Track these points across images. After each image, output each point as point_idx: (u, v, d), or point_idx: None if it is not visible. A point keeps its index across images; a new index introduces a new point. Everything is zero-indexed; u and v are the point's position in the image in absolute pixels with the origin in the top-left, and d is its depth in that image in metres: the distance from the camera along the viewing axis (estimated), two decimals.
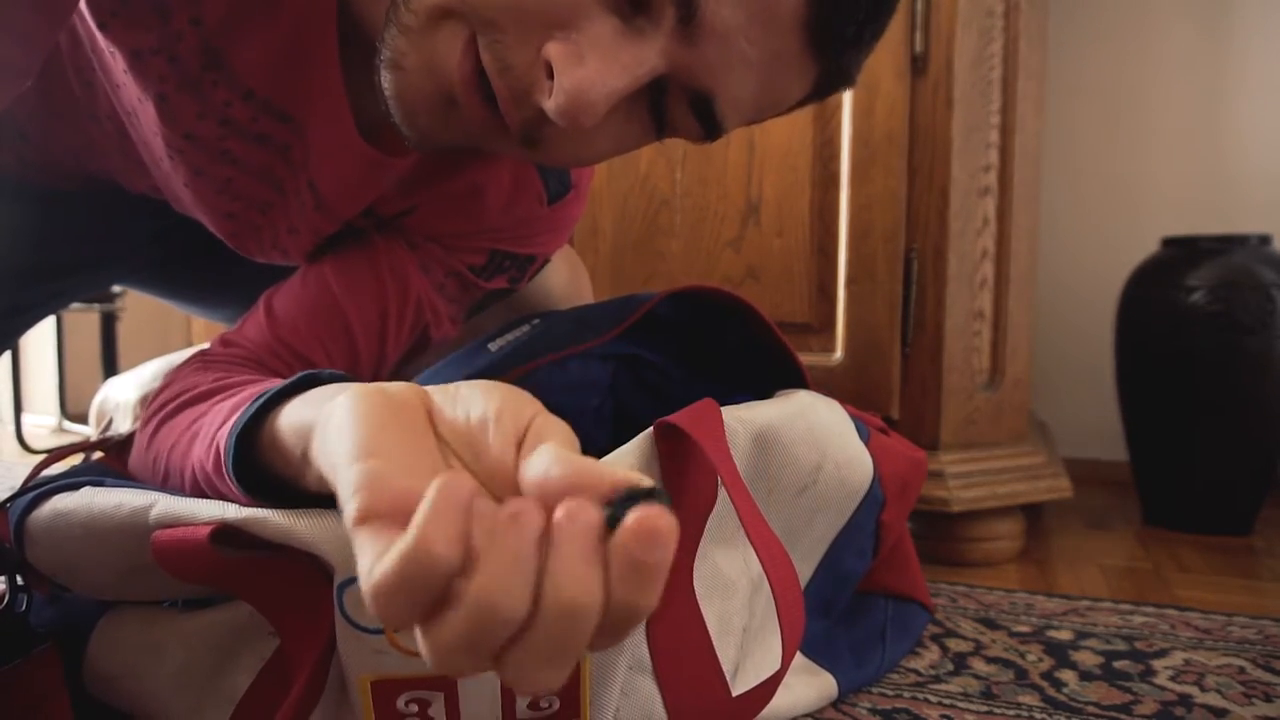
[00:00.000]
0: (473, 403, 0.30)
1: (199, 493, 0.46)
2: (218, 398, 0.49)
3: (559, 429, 0.30)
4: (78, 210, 0.71)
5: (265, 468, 0.41)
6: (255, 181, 0.58)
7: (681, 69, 0.43)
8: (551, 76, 0.42)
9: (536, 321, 0.67)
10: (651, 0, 0.41)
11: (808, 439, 0.52)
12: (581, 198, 0.69)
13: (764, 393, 0.60)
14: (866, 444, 0.59)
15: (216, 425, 0.44)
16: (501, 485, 0.28)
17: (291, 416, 0.38)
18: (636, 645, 0.46)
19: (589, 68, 0.41)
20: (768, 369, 0.64)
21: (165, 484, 0.50)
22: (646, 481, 0.25)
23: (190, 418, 0.49)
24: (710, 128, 0.46)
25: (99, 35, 0.51)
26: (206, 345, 0.60)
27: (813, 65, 0.45)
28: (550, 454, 0.26)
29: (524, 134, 0.45)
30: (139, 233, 0.76)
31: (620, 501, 0.24)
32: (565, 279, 0.80)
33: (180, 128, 0.54)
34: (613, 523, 0.23)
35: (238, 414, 0.42)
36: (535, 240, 0.67)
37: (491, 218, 0.63)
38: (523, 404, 0.30)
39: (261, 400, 0.41)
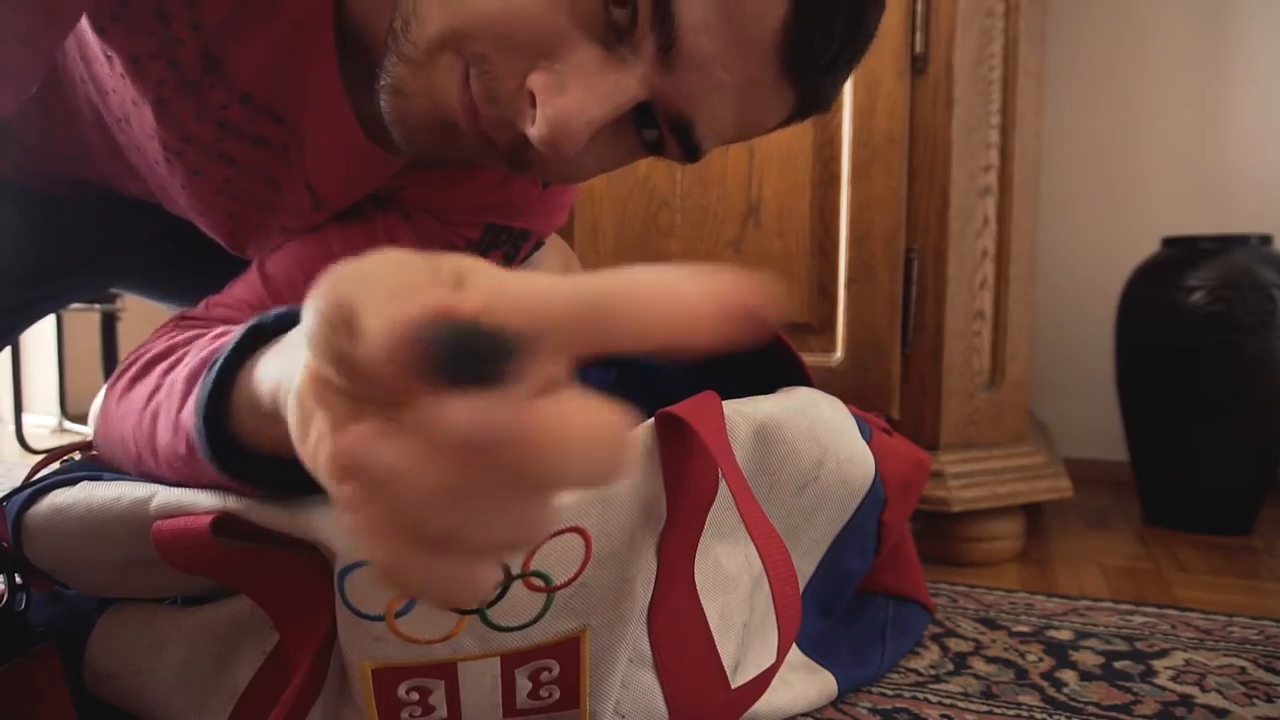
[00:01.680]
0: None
1: (185, 484, 0.43)
2: (164, 364, 0.46)
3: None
4: (73, 214, 0.71)
5: (245, 437, 0.38)
6: (254, 181, 0.58)
7: (662, 95, 0.44)
8: (535, 105, 0.42)
9: None
10: (634, 30, 0.42)
11: (809, 435, 0.52)
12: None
13: (764, 386, 0.60)
14: (868, 443, 0.59)
15: (176, 406, 0.41)
16: None
17: (267, 373, 0.34)
18: (638, 638, 0.46)
19: (570, 97, 0.42)
20: (772, 374, 0.64)
21: (140, 468, 0.46)
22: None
23: (145, 392, 0.46)
24: (689, 150, 0.47)
25: (94, 40, 0.51)
26: None
27: (789, 91, 0.46)
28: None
29: (511, 157, 0.47)
30: (134, 236, 0.77)
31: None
32: (558, 273, 0.80)
33: (178, 130, 0.54)
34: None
35: (197, 388, 0.39)
36: (530, 218, 0.68)
37: (485, 194, 0.64)
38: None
39: (217, 367, 0.38)
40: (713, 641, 0.48)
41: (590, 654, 0.43)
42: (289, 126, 0.55)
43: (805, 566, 0.58)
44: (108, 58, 0.52)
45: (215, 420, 0.38)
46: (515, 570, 0.40)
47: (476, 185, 0.64)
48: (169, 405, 0.42)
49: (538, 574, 0.40)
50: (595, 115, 0.42)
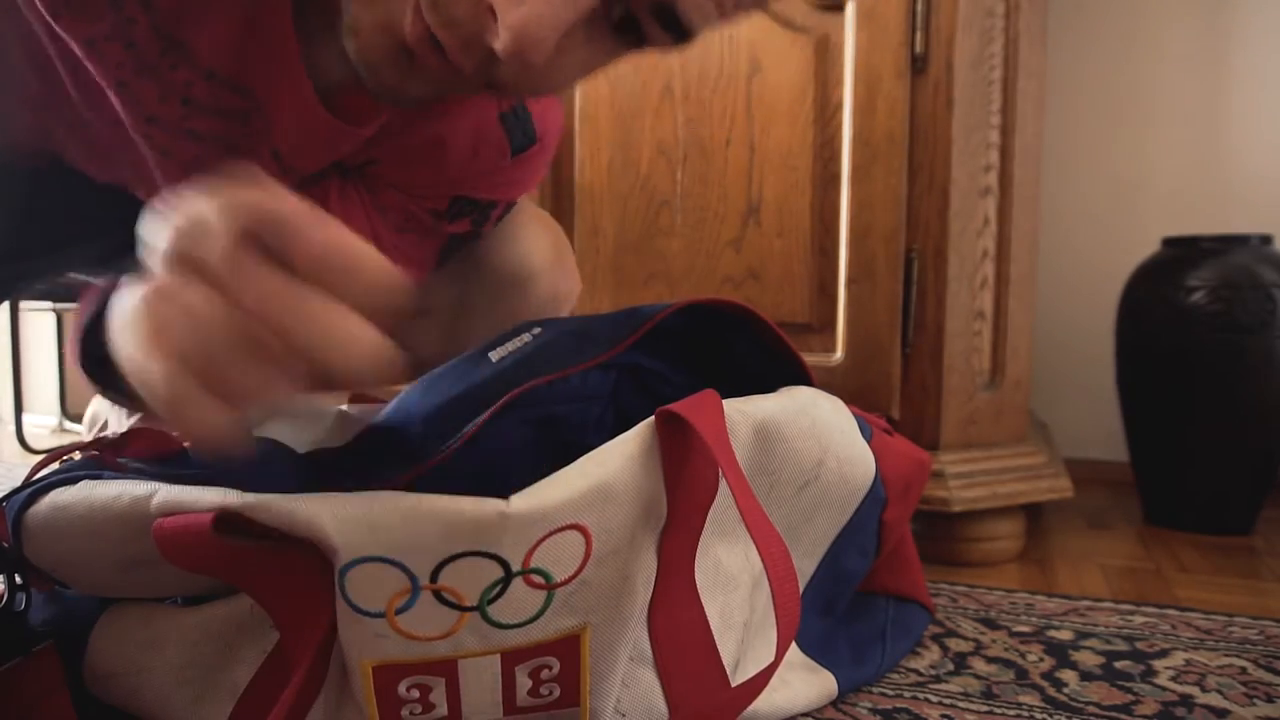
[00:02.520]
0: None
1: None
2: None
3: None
4: (43, 190, 0.71)
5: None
6: (220, 153, 0.58)
7: None
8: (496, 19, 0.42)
9: (538, 330, 0.68)
10: None
11: (810, 434, 0.52)
12: (547, 150, 0.70)
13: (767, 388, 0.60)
14: (869, 443, 0.59)
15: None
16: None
17: None
18: (638, 636, 0.46)
19: (531, 3, 0.41)
20: (773, 376, 0.64)
21: None
22: None
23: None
24: (678, 34, 0.46)
25: (54, 24, 0.50)
26: None
27: None
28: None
29: (483, 79, 0.46)
30: (107, 215, 0.76)
31: None
32: (548, 253, 0.80)
33: (141, 112, 0.54)
34: None
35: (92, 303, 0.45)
36: (497, 189, 0.68)
37: (452, 170, 0.65)
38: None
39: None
40: (713, 640, 0.48)
41: (591, 652, 0.43)
42: (253, 98, 0.55)
43: (806, 566, 0.58)
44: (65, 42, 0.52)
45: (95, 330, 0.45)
46: (515, 567, 0.40)
47: (446, 161, 0.64)
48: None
49: (538, 571, 0.40)
50: (561, 18, 0.41)
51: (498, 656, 0.42)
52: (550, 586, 0.41)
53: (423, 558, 0.39)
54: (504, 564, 0.39)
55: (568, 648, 0.42)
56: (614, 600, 0.43)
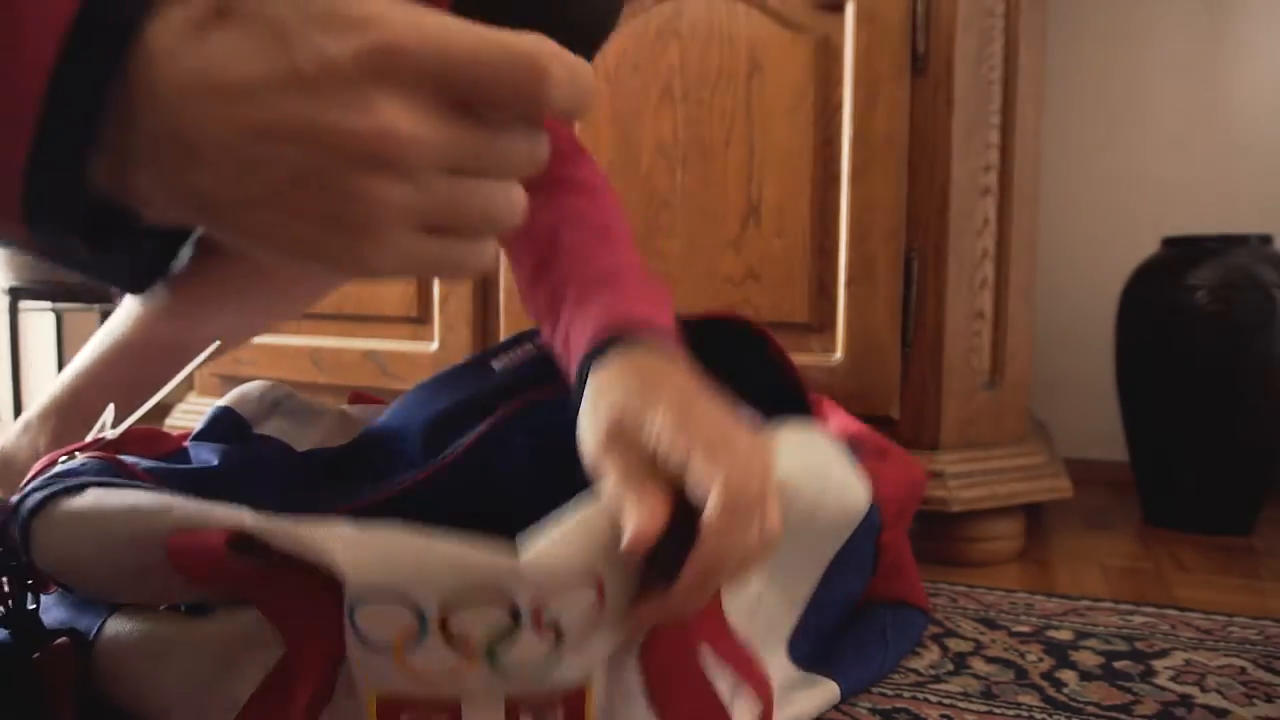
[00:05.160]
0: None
1: None
2: None
3: None
4: None
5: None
6: None
7: None
8: None
9: (540, 340, 0.68)
10: None
11: (805, 471, 0.52)
12: None
13: (765, 405, 0.60)
14: (860, 465, 0.59)
15: None
16: None
17: None
18: (636, 674, 0.46)
19: None
20: (769, 381, 0.63)
21: None
22: None
23: None
24: None
25: None
26: None
27: None
28: None
29: None
30: None
31: None
32: None
33: None
34: None
35: None
36: None
37: None
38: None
39: None
40: (715, 693, 0.48)
41: (596, 706, 0.43)
42: None
43: (801, 590, 0.58)
44: None
45: None
46: (526, 619, 0.40)
47: None
48: None
49: (548, 623, 0.40)
50: None
51: (502, 703, 0.41)
52: (560, 637, 0.41)
53: (433, 600, 0.39)
54: (515, 614, 0.39)
55: (573, 700, 0.42)
56: (622, 654, 0.43)
